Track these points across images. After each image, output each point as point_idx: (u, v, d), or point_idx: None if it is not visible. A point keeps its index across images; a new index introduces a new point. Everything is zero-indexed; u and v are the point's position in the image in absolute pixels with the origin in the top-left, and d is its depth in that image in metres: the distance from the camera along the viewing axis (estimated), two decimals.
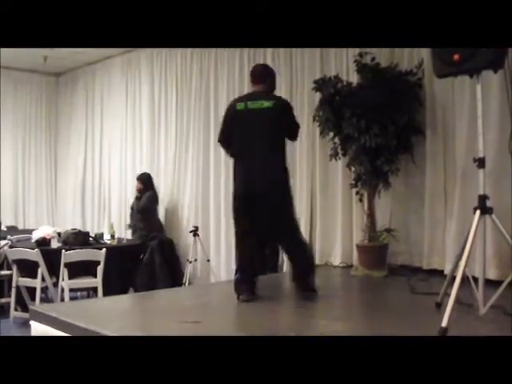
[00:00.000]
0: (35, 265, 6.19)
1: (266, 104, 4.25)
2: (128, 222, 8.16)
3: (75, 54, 9.38)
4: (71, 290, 6.26)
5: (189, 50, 8.19)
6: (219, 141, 4.60)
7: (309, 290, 4.39)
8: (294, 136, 4.61)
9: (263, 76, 4.51)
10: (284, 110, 4.37)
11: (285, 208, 4.32)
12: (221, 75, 7.66)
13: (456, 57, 3.60)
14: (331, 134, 5.69)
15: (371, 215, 5.62)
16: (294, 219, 4.44)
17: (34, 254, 6.20)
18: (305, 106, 6.52)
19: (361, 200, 5.74)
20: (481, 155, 3.65)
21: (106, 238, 7.15)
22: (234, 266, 7.23)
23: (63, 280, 6.16)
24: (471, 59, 3.54)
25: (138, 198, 8.01)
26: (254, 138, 4.26)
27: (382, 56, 5.68)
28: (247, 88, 7.23)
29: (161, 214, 8.48)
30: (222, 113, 7.49)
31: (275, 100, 4.34)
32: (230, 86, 7.48)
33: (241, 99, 4.49)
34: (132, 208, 8.10)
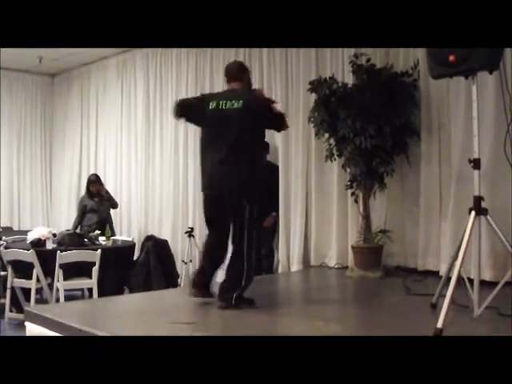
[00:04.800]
0: (30, 266, 6.18)
1: (236, 105, 4.07)
2: (93, 220, 8.01)
3: (70, 55, 9.36)
4: (66, 291, 6.25)
5: (184, 50, 8.18)
6: (181, 112, 4.38)
7: (221, 301, 4.08)
8: (277, 127, 4.41)
9: (239, 73, 4.34)
10: (253, 108, 4.10)
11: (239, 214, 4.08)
12: (216, 75, 7.65)
13: (451, 58, 3.60)
14: (326, 135, 5.69)
15: (366, 216, 5.62)
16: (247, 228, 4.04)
17: (29, 255, 6.18)
18: (300, 107, 6.52)
19: (356, 201, 5.74)
20: (476, 156, 3.66)
21: (101, 238, 7.14)
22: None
23: (58, 281, 6.15)
24: (467, 60, 3.54)
25: (103, 197, 8.09)
26: (221, 139, 4.09)
27: (377, 57, 5.68)
28: None
29: (157, 213, 8.51)
30: None
31: (244, 99, 4.10)
32: (225, 87, 7.45)
33: (214, 97, 4.33)
34: (102, 205, 8.07)
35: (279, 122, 4.28)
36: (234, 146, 4.06)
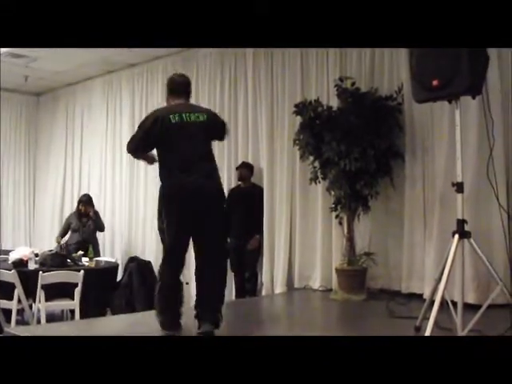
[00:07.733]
0: (11, 286, 6.10)
1: (201, 118, 4.19)
2: (74, 239, 8.00)
3: (56, 74, 9.35)
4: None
5: (170, 71, 8.18)
6: (136, 148, 4.43)
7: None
8: (222, 138, 4.69)
9: (189, 88, 4.43)
10: (216, 122, 4.41)
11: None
12: (202, 94, 7.66)
13: (435, 82, 3.65)
14: (311, 158, 5.71)
15: (350, 239, 5.63)
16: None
17: (11, 276, 6.11)
18: (285, 129, 6.55)
19: (340, 223, 5.76)
20: (459, 180, 3.69)
21: (85, 259, 7.08)
22: None
23: (40, 302, 6.08)
24: (450, 85, 3.59)
25: (89, 218, 8.11)
26: (193, 149, 4.13)
27: (362, 81, 5.74)
28: (227, 107, 7.26)
29: (141, 234, 8.47)
30: None
31: (207, 113, 4.35)
32: (210, 104, 7.47)
33: (172, 111, 4.23)
34: (84, 226, 8.05)
35: (225, 135, 4.63)
36: (204, 156, 4.20)
